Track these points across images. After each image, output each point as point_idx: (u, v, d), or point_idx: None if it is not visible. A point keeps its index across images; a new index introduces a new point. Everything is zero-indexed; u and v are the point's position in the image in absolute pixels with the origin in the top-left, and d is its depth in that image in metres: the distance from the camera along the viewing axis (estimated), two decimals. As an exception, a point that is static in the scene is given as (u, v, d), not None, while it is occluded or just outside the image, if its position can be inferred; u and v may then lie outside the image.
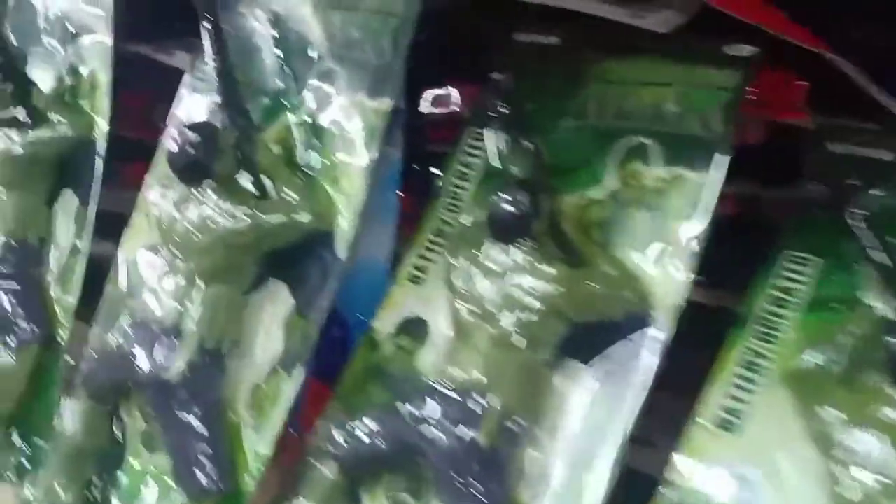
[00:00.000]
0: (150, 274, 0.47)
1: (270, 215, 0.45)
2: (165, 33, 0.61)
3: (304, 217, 0.45)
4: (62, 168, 0.56)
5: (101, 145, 0.54)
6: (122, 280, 0.49)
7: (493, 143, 0.46)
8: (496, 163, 0.45)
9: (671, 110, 0.41)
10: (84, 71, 0.57)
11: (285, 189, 0.45)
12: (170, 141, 0.48)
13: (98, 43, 0.56)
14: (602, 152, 0.43)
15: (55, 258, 0.55)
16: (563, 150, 0.44)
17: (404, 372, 0.43)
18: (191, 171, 0.45)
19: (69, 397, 0.49)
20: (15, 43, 0.59)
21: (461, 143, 0.47)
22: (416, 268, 0.46)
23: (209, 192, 0.45)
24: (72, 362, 0.52)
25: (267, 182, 0.45)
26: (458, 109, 0.58)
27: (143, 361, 0.45)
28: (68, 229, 0.55)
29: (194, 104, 0.50)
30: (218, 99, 0.47)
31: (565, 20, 0.47)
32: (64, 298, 0.54)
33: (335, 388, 0.45)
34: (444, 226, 0.46)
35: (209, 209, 0.45)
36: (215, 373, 0.44)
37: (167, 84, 0.60)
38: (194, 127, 0.45)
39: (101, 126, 0.55)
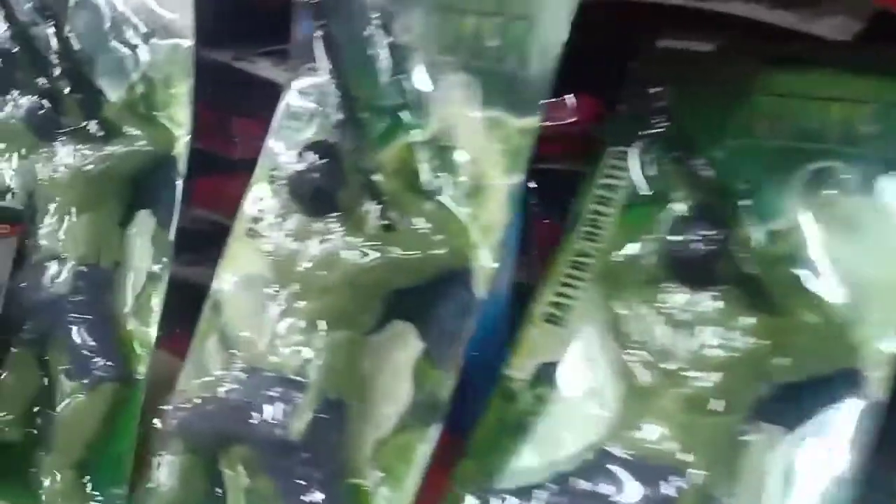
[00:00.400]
0: (260, 314, 0.42)
1: (401, 249, 0.40)
2: (246, 40, 0.56)
3: (437, 250, 0.40)
4: (137, 186, 0.52)
5: (182, 162, 0.50)
6: (220, 317, 0.44)
7: (640, 164, 0.41)
8: (646, 188, 0.40)
9: (867, 131, 0.37)
10: (158, 79, 0.52)
11: (414, 219, 0.40)
12: (287, 163, 0.43)
13: (174, 48, 0.51)
14: (780, 177, 0.38)
15: (131, 285, 0.51)
16: (729, 173, 0.39)
17: (554, 431, 0.38)
18: (315, 199, 0.40)
19: (164, 450, 0.43)
20: (80, 48, 0.54)
21: (599, 165, 0.42)
22: (554, 305, 0.41)
23: (333, 223, 0.40)
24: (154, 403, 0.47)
25: (393, 211, 0.40)
26: (574, 121, 0.53)
27: (255, 413, 0.40)
28: (145, 253, 0.50)
29: (301, 122, 0.44)
30: (333, 116, 0.42)
31: (717, 25, 0.42)
32: (142, 330, 0.49)
33: (463, 442, 0.40)
34: (583, 258, 0.41)
35: (333, 243, 0.40)
36: (338, 428, 0.39)
37: (246, 94, 0.56)
38: (314, 149, 0.40)
39: (182, 140, 0.50)
